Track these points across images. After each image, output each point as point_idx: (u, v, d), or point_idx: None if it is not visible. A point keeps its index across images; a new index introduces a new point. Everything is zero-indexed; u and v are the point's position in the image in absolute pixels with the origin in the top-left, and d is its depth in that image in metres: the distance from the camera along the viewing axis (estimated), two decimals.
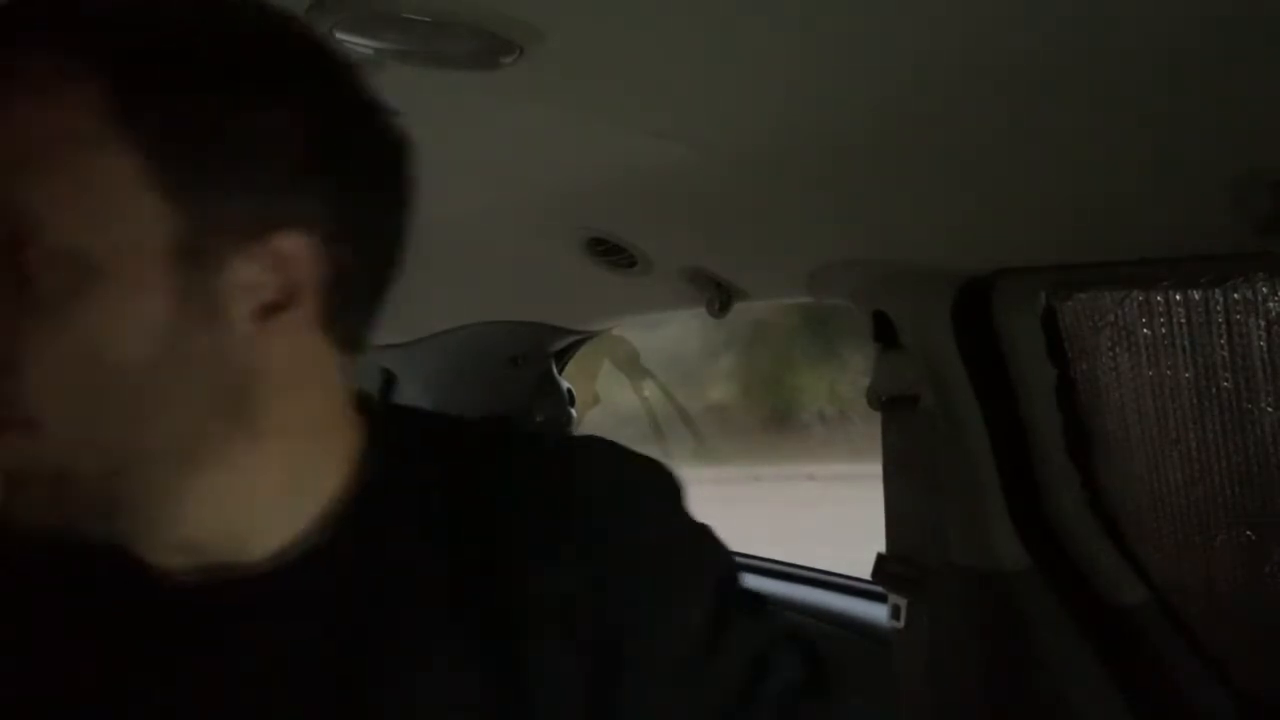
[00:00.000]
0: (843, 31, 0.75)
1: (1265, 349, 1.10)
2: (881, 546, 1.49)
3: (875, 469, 1.51)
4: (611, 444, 0.70)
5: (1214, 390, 1.15)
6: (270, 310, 0.57)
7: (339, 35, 0.79)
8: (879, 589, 1.53)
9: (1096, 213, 0.99)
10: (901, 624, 1.45)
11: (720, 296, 1.57)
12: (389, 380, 2.59)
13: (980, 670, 1.38)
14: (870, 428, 1.52)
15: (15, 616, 0.62)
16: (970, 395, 1.32)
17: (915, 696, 1.43)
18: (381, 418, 0.67)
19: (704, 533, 0.70)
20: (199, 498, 0.59)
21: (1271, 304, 1.08)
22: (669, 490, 0.69)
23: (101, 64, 0.53)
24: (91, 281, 0.52)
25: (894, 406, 1.42)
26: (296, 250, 0.57)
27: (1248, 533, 1.19)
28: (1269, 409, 1.12)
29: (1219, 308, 1.12)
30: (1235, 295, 1.11)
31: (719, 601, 0.66)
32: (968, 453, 1.34)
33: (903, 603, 1.45)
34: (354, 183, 0.59)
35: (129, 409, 0.55)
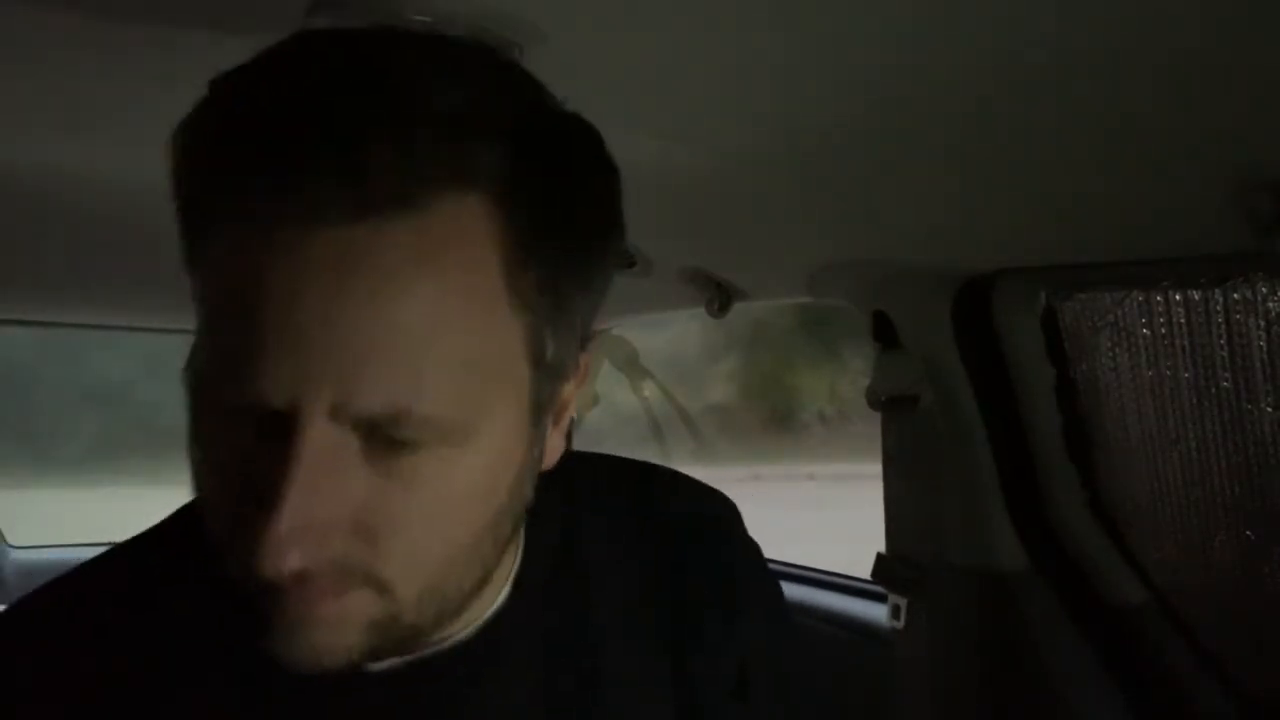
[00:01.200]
0: (842, 31, 0.75)
1: (1265, 349, 1.10)
2: (881, 546, 1.50)
3: (875, 469, 1.51)
4: (729, 500, 0.76)
5: (1214, 390, 1.15)
6: (553, 427, 0.58)
7: None
8: (879, 589, 1.53)
9: (1096, 213, 0.99)
10: (901, 624, 1.45)
11: (720, 297, 1.57)
12: None
13: (980, 670, 1.38)
14: (870, 428, 1.52)
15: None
16: (970, 395, 1.32)
17: (915, 696, 1.43)
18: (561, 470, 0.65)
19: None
20: (460, 611, 0.58)
21: (1271, 304, 1.08)
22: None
23: (504, 205, 0.49)
24: (461, 456, 0.50)
25: (894, 407, 1.42)
26: (585, 361, 0.59)
27: (1248, 533, 1.19)
28: (1269, 409, 1.12)
29: (1219, 308, 1.12)
30: (1235, 295, 1.10)
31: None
32: (967, 453, 1.34)
33: (903, 603, 1.45)
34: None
35: (474, 557, 0.55)
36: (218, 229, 0.50)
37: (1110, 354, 1.25)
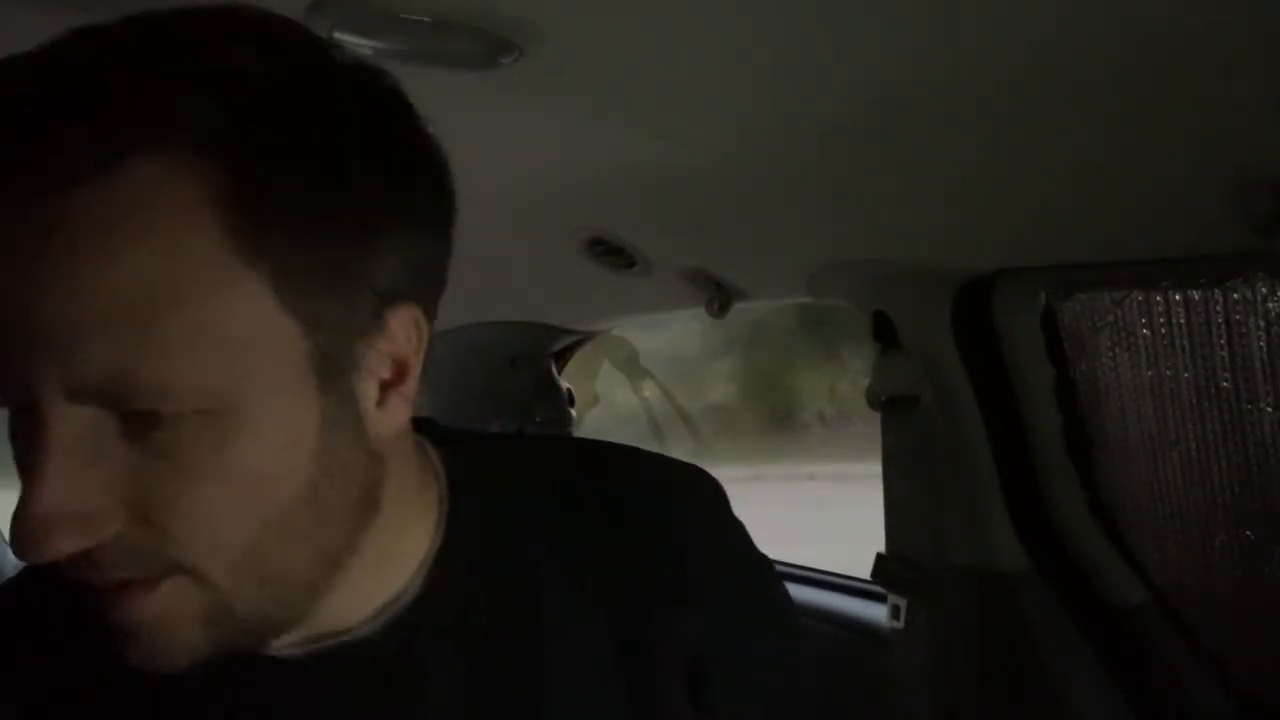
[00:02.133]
0: (842, 31, 0.75)
1: (1265, 349, 1.10)
2: (881, 546, 1.50)
3: (875, 469, 1.51)
4: (704, 476, 0.71)
5: (1214, 390, 1.15)
6: (386, 390, 0.55)
7: (338, 35, 0.79)
8: (879, 589, 1.53)
9: (1096, 213, 0.99)
10: (901, 624, 1.45)
11: (720, 297, 1.57)
12: None
13: (980, 670, 1.38)
14: (870, 428, 1.52)
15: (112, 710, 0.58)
16: (970, 395, 1.32)
17: (915, 696, 1.43)
18: (453, 453, 0.65)
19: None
20: (334, 591, 0.56)
21: (1271, 304, 1.08)
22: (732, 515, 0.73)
23: (217, 161, 0.46)
24: (233, 427, 0.48)
25: (894, 406, 1.42)
26: (406, 321, 0.55)
27: (1247, 533, 1.19)
28: (1269, 409, 1.12)
29: (1219, 308, 1.12)
30: (1235, 295, 1.10)
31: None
32: (967, 453, 1.34)
33: (902, 603, 1.45)
34: (434, 229, 0.57)
35: (289, 535, 0.52)
36: None
37: (1110, 354, 1.25)
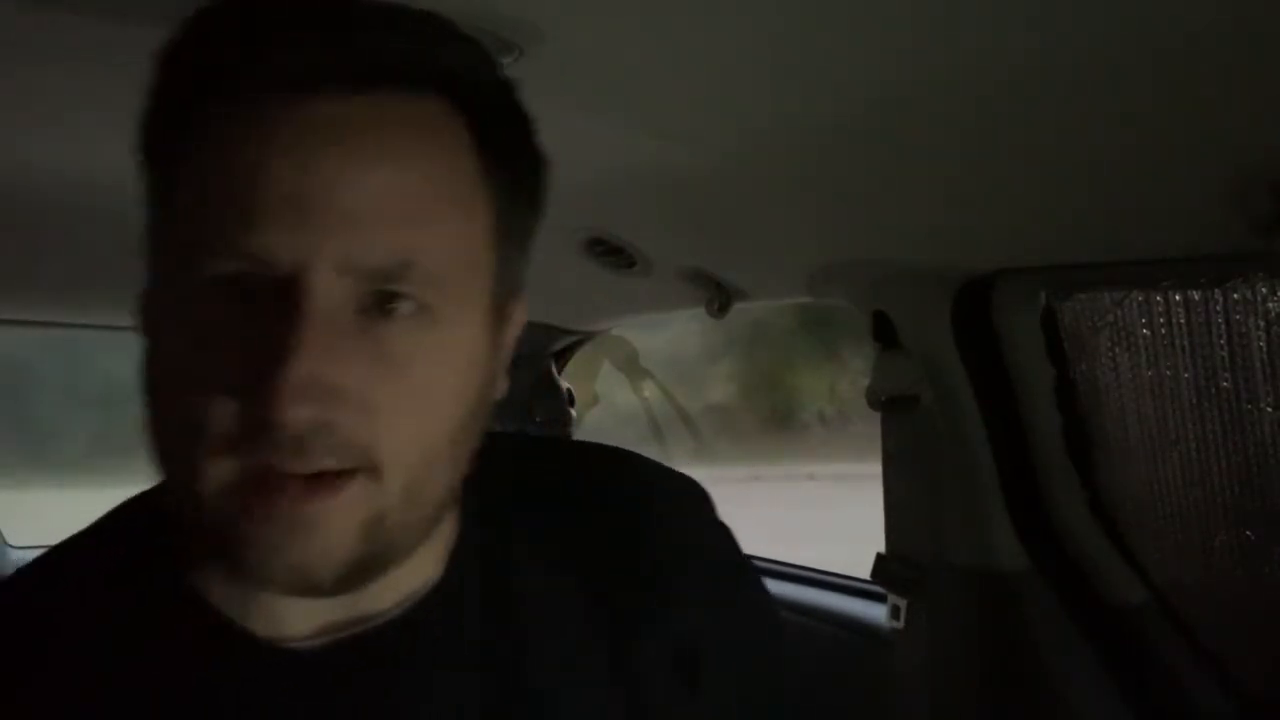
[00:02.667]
0: (843, 32, 0.75)
1: (1265, 349, 1.10)
2: (881, 546, 1.50)
3: (875, 469, 1.51)
4: (694, 484, 0.74)
5: (1214, 390, 1.15)
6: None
7: None
8: (879, 589, 1.53)
9: (1096, 213, 0.99)
10: (901, 624, 1.45)
11: (720, 297, 1.57)
12: None
13: (980, 671, 1.38)
14: (870, 428, 1.52)
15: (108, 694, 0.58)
16: (970, 395, 1.32)
17: (915, 697, 1.43)
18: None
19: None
20: (412, 554, 0.59)
21: (1271, 304, 1.08)
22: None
23: (470, 118, 0.56)
24: (442, 331, 0.54)
25: (894, 407, 1.42)
26: (521, 310, 0.62)
27: (1247, 533, 1.19)
28: (1269, 409, 1.12)
29: (1219, 308, 1.12)
30: (1235, 295, 1.10)
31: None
32: (967, 453, 1.34)
33: (902, 603, 1.45)
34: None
35: (446, 461, 0.56)
36: (209, 110, 0.52)
37: (1110, 354, 1.25)
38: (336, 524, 0.52)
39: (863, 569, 1.56)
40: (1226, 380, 1.14)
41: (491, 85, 0.58)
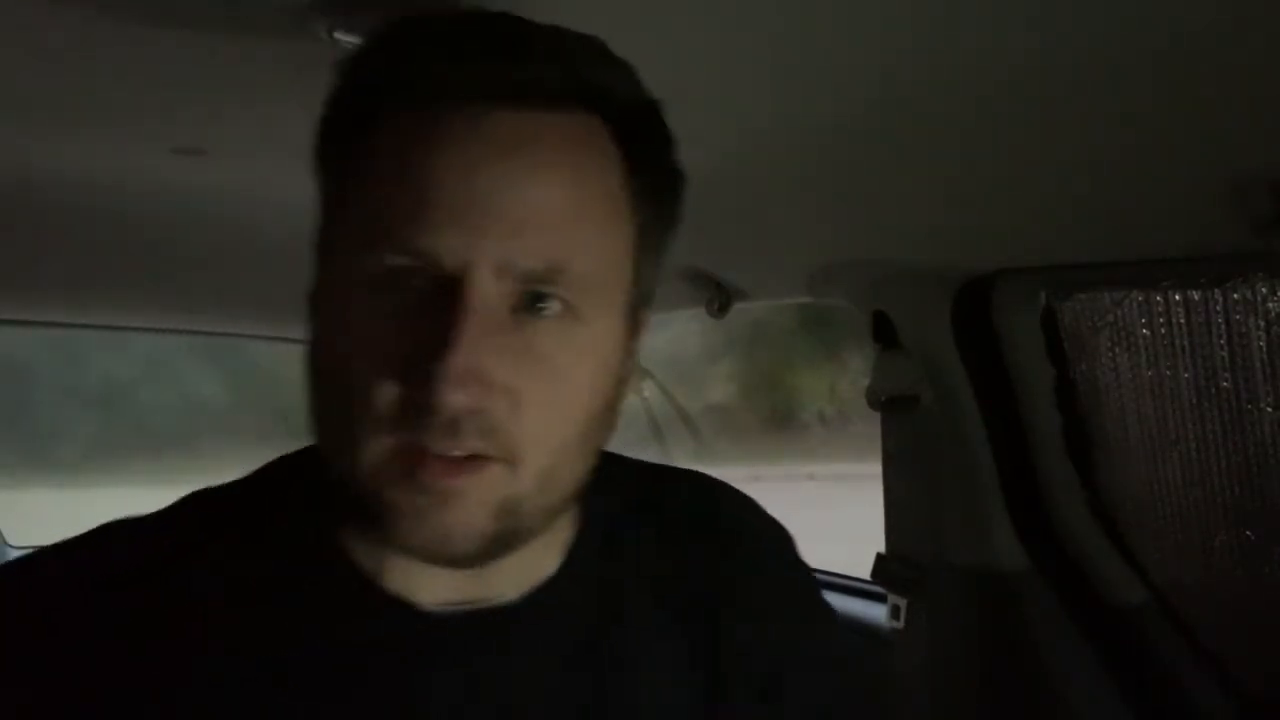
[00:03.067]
0: (843, 32, 0.75)
1: (1265, 349, 1.10)
2: (881, 546, 1.50)
3: (875, 469, 1.51)
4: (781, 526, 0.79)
5: (1213, 390, 1.15)
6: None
7: (338, 36, 0.79)
8: (879, 589, 1.53)
9: (1096, 213, 0.99)
10: (901, 624, 1.45)
11: (720, 297, 1.57)
12: None
13: (980, 670, 1.38)
14: (870, 428, 1.52)
15: (266, 643, 0.62)
16: (970, 395, 1.32)
17: (915, 696, 1.43)
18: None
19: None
20: (540, 540, 0.64)
21: (1271, 304, 1.08)
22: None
23: (621, 137, 0.61)
24: (582, 334, 0.59)
25: (894, 407, 1.42)
26: (647, 321, 0.67)
27: (1247, 533, 1.19)
28: (1269, 409, 1.12)
29: (1218, 308, 1.12)
30: (1235, 295, 1.11)
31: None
32: (967, 453, 1.35)
33: (902, 603, 1.45)
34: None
35: (576, 454, 0.61)
36: (393, 113, 0.58)
37: (1110, 354, 1.25)
38: (476, 500, 0.57)
39: (863, 569, 1.56)
40: (1226, 380, 1.14)
41: (641, 107, 0.63)
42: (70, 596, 0.62)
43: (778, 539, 0.80)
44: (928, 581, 1.42)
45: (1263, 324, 1.09)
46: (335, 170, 0.62)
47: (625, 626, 0.68)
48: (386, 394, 0.56)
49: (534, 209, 0.56)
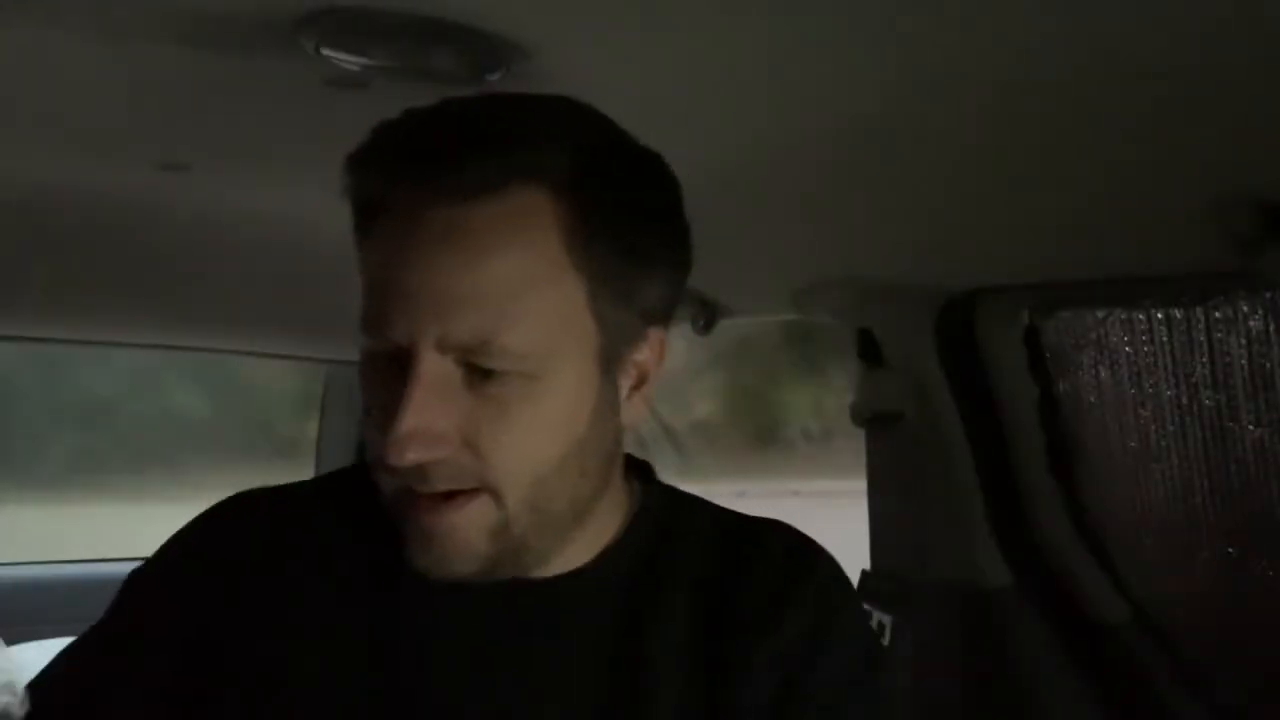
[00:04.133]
0: (825, 51, 0.76)
1: (1246, 367, 1.11)
2: (866, 563, 1.50)
3: (860, 486, 1.51)
4: (830, 562, 0.82)
5: (1196, 408, 1.16)
6: (631, 391, 0.73)
7: (325, 52, 0.79)
8: (864, 605, 1.53)
9: (1079, 231, 1.00)
10: (886, 640, 1.45)
11: (705, 314, 1.57)
12: None
13: (964, 687, 1.38)
14: (855, 444, 1.52)
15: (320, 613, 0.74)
16: (954, 412, 1.32)
17: (900, 713, 1.43)
18: (648, 488, 0.81)
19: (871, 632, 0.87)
20: (563, 544, 0.72)
21: (1253, 322, 1.09)
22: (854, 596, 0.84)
23: (564, 197, 0.66)
24: (540, 389, 0.66)
25: (878, 423, 1.42)
26: (654, 340, 0.73)
27: (1229, 549, 1.20)
28: (1251, 426, 1.12)
29: (1201, 326, 1.13)
30: (1217, 313, 1.11)
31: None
32: (951, 469, 1.35)
33: (887, 619, 1.45)
34: (678, 275, 0.75)
35: (562, 476, 0.69)
36: (370, 224, 0.68)
37: (1093, 371, 1.25)
38: (464, 530, 0.67)
39: None
40: (1209, 398, 1.14)
41: (590, 173, 0.67)
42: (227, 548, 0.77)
43: (793, 555, 0.81)
44: (912, 598, 1.42)
45: (1244, 341, 1.10)
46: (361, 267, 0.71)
47: (643, 634, 0.74)
48: (381, 448, 0.65)
49: (464, 292, 0.64)
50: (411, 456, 0.64)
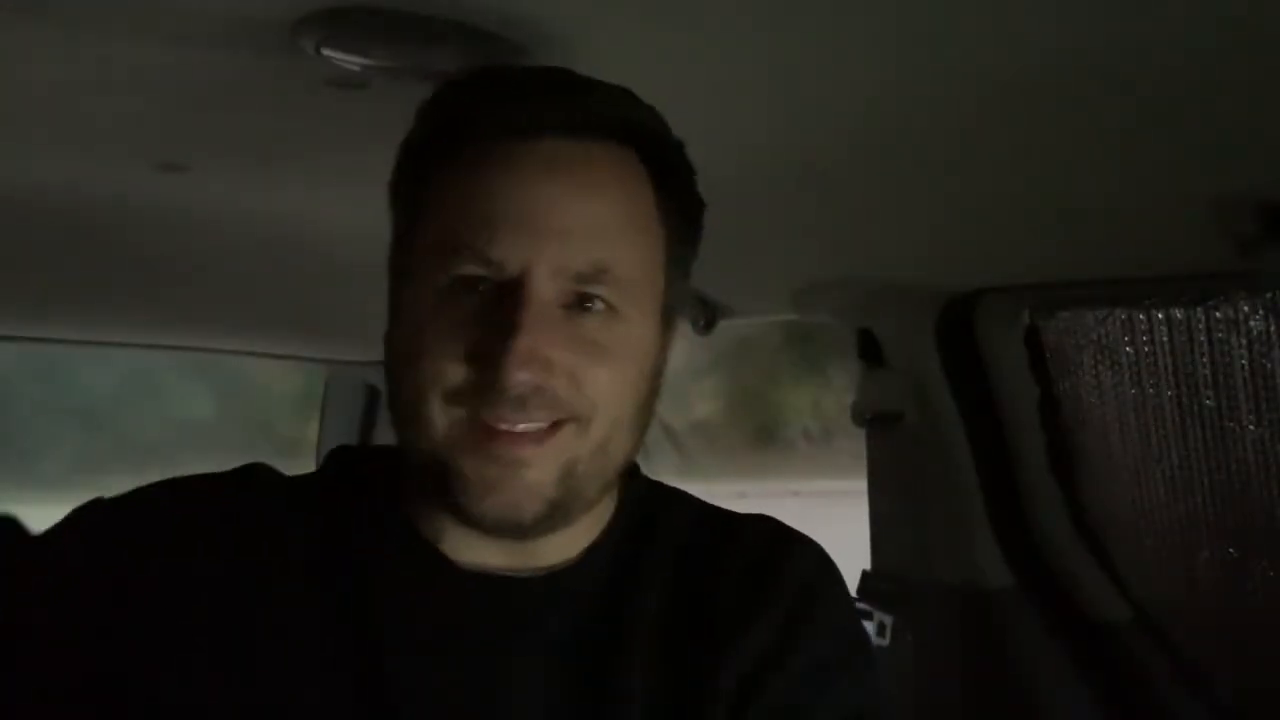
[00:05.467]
0: (826, 52, 0.76)
1: (1247, 367, 1.11)
2: (867, 563, 1.50)
3: (860, 486, 1.51)
4: (813, 553, 0.82)
5: (1196, 408, 1.16)
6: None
7: (326, 52, 0.79)
8: (864, 606, 1.53)
9: (1079, 232, 1.00)
10: (887, 641, 1.45)
11: (706, 314, 1.57)
12: (373, 397, 2.58)
13: (965, 686, 1.38)
14: (855, 445, 1.52)
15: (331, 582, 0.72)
16: (954, 413, 1.32)
17: (901, 713, 1.43)
18: (638, 478, 0.82)
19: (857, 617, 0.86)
20: (581, 516, 0.72)
21: (1253, 322, 1.09)
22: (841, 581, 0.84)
23: (647, 157, 0.71)
24: (622, 328, 0.68)
25: (879, 423, 1.42)
26: (676, 328, 0.76)
27: (1230, 549, 1.20)
28: (1251, 426, 1.12)
29: (1201, 326, 1.13)
30: (1217, 314, 1.11)
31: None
32: (952, 470, 1.35)
33: (888, 619, 1.45)
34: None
35: (627, 429, 0.71)
36: (467, 145, 0.68)
37: (1093, 372, 1.25)
38: (541, 467, 0.67)
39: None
40: (1209, 398, 1.14)
41: (667, 143, 0.72)
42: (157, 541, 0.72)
43: (770, 544, 0.81)
44: (913, 598, 1.42)
45: (1245, 342, 1.10)
46: (411, 200, 0.71)
47: (623, 627, 0.74)
48: (462, 375, 0.65)
49: (583, 220, 0.66)
50: (526, 376, 0.64)
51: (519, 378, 0.64)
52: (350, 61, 0.81)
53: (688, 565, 0.77)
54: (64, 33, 0.79)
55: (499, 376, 0.64)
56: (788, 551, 0.80)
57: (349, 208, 1.23)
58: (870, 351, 1.40)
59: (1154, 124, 0.78)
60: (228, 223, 1.34)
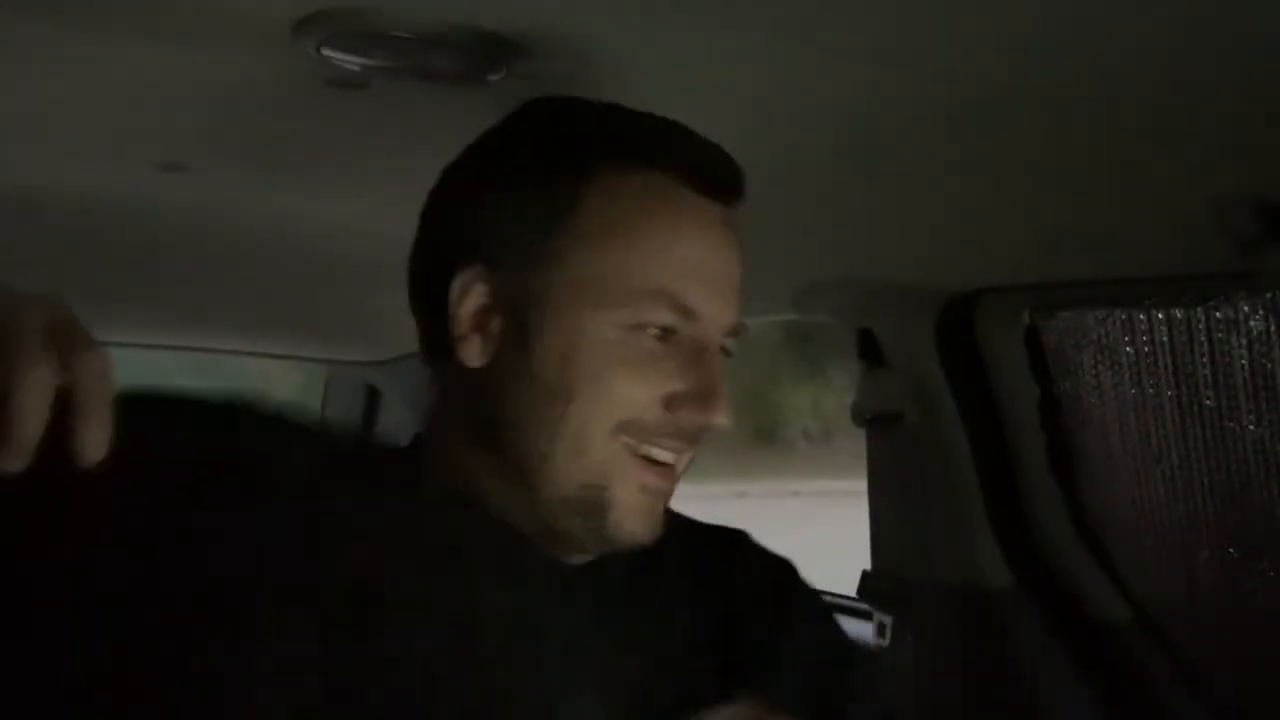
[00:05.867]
0: (825, 52, 0.76)
1: (1247, 367, 1.11)
2: (866, 563, 1.49)
3: (860, 486, 1.51)
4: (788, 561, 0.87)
5: (1196, 408, 1.16)
6: None
7: (326, 53, 0.79)
8: (864, 606, 1.53)
9: (1079, 232, 1.00)
10: (887, 641, 1.45)
11: None
12: (373, 397, 2.58)
13: (965, 687, 1.38)
14: (855, 445, 1.52)
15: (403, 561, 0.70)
16: (954, 413, 1.32)
17: (901, 714, 1.43)
18: None
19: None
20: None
21: (1253, 322, 1.09)
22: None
23: None
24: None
25: (879, 424, 1.42)
26: None
27: (1230, 549, 1.20)
28: (1251, 426, 1.12)
29: (1201, 326, 1.13)
30: (1217, 314, 1.11)
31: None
32: (952, 470, 1.35)
33: (888, 620, 1.45)
34: None
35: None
36: (649, 205, 0.72)
37: (1093, 372, 1.25)
38: (669, 494, 0.73)
39: (848, 586, 1.56)
40: (1209, 398, 1.14)
41: None
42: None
43: (750, 556, 0.86)
44: (913, 598, 1.42)
45: (1245, 342, 1.10)
46: (544, 218, 0.71)
47: (646, 626, 0.77)
48: (648, 413, 0.70)
49: (736, 283, 0.75)
50: (728, 420, 0.72)
51: (726, 421, 0.71)
52: (350, 61, 0.81)
53: (678, 572, 0.80)
54: (64, 33, 0.79)
55: (714, 419, 0.71)
56: (782, 564, 0.85)
57: (349, 208, 1.24)
58: (870, 351, 1.40)
59: (1154, 124, 0.78)
60: (227, 222, 1.34)
